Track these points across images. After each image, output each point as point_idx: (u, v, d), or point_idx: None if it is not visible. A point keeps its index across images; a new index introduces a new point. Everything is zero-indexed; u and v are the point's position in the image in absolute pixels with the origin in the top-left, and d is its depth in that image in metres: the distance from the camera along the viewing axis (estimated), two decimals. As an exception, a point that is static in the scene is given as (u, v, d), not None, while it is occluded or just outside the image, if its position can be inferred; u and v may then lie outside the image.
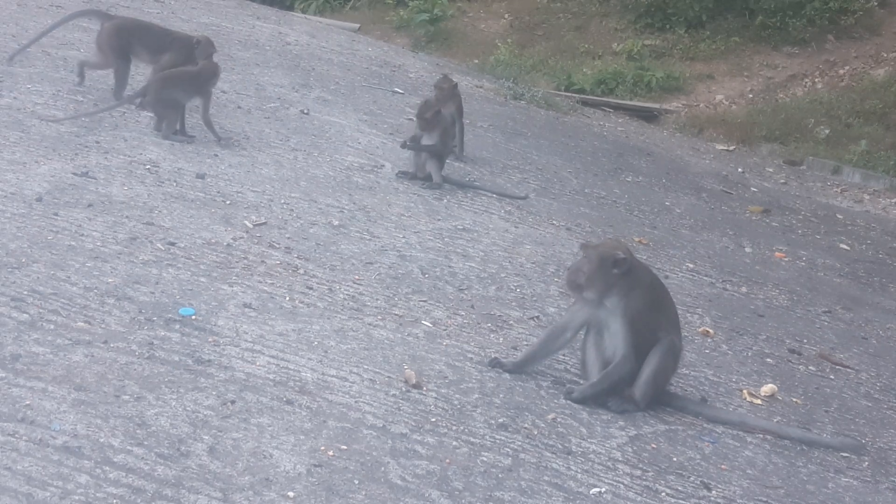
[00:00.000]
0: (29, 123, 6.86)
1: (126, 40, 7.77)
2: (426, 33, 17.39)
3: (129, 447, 3.47)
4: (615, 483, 3.97)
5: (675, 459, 4.29)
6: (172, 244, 5.38)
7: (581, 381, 4.75)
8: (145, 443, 3.51)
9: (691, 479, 4.15)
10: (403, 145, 7.87)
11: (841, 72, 15.66)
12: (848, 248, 9.23)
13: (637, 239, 7.71)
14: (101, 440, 3.47)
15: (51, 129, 6.87)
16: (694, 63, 16.21)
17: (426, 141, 7.70)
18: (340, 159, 7.90)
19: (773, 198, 10.85)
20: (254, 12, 14.75)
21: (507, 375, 4.70)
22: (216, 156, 7.13)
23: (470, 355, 4.84)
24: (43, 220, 5.32)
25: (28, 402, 3.60)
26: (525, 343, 5.13)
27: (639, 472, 4.10)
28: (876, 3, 16.67)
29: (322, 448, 3.72)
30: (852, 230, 10.07)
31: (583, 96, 14.85)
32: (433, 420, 4.13)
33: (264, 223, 6.05)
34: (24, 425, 3.46)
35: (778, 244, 8.72)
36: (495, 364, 4.74)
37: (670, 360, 4.68)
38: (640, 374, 4.60)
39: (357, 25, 17.59)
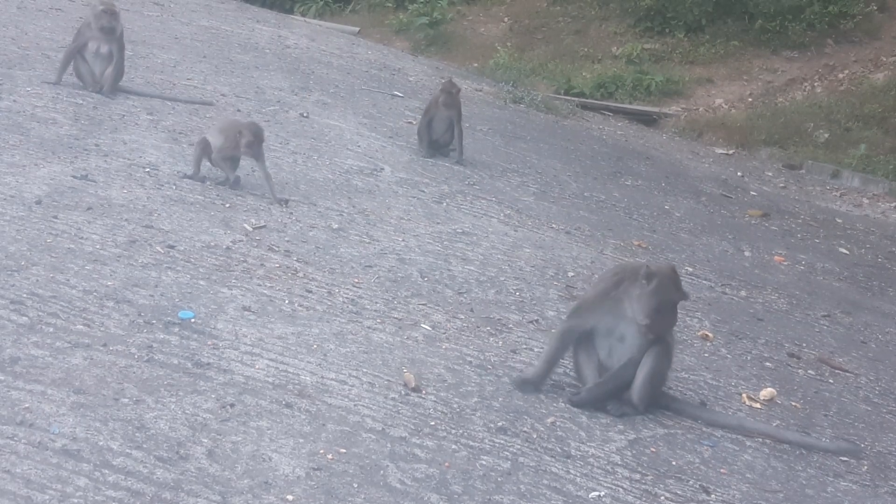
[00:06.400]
0: (28, 126, 6.87)
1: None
2: (426, 37, 17.40)
3: (128, 450, 3.47)
4: (614, 487, 3.97)
5: (674, 463, 4.29)
6: (172, 247, 5.38)
7: (579, 384, 4.74)
8: (144, 446, 3.51)
9: (690, 482, 4.15)
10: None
11: (840, 76, 15.67)
12: (847, 252, 9.23)
13: (636, 242, 7.71)
14: (100, 443, 3.47)
15: (50, 131, 6.87)
16: (693, 67, 16.21)
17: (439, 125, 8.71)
18: (340, 162, 7.90)
19: (772, 202, 10.85)
20: (253, 15, 14.77)
21: (506, 379, 4.70)
22: (216, 159, 7.13)
23: (469, 359, 4.84)
24: (42, 222, 5.32)
25: (27, 405, 3.60)
26: (524, 346, 5.13)
27: (638, 476, 4.10)
28: (875, 8, 16.67)
29: (321, 451, 3.72)
30: (851, 234, 10.07)
31: (582, 100, 14.85)
32: (432, 423, 4.13)
33: (263, 226, 6.05)
34: (24, 428, 3.46)
35: (777, 248, 8.72)
36: (573, 403, 4.59)
37: (666, 362, 4.68)
38: (637, 377, 4.58)
39: (357, 29, 17.60)
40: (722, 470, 4.32)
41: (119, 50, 8.07)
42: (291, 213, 6.40)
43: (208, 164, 6.67)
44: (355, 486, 3.55)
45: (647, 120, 14.90)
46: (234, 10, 14.85)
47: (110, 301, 4.59)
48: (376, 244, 6.22)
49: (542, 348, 5.16)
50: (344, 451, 3.76)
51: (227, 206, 6.27)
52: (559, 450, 4.15)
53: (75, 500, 3.15)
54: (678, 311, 4.64)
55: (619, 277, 4.59)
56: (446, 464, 3.84)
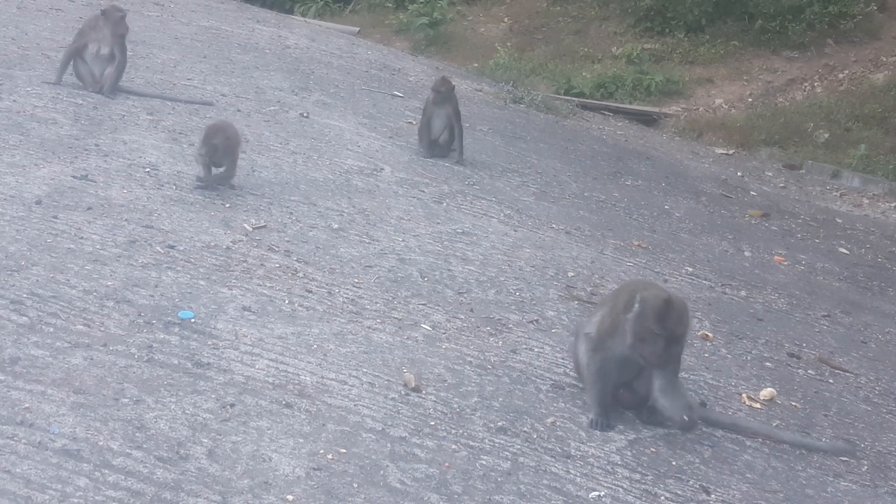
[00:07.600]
0: (28, 126, 6.87)
1: None
2: (426, 37, 17.40)
3: (128, 450, 3.47)
4: (614, 487, 3.97)
5: (674, 463, 4.29)
6: (172, 247, 5.38)
7: (579, 385, 4.73)
8: (144, 446, 3.51)
9: (690, 482, 4.15)
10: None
11: (840, 76, 15.67)
12: (847, 252, 9.23)
13: (636, 243, 7.71)
14: (100, 443, 3.47)
15: (50, 132, 6.87)
16: (693, 67, 16.21)
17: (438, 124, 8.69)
18: (340, 162, 7.91)
19: (772, 202, 10.85)
20: (253, 15, 14.77)
21: (506, 379, 4.70)
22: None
23: (469, 359, 4.84)
24: (42, 222, 5.32)
25: (27, 405, 3.60)
26: (524, 346, 5.13)
27: (638, 476, 4.10)
28: (875, 8, 16.66)
29: (321, 451, 3.72)
30: (851, 234, 10.07)
31: (582, 100, 14.84)
32: (432, 423, 4.13)
33: (263, 226, 6.05)
34: (24, 428, 3.46)
35: (777, 248, 8.72)
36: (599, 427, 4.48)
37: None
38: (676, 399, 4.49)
39: (357, 29, 17.59)
40: (722, 470, 4.32)
41: (121, 51, 8.09)
42: (291, 213, 6.40)
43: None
44: (355, 486, 3.55)
45: (647, 120, 14.89)
46: (234, 10, 14.85)
47: (110, 301, 4.59)
48: (376, 244, 6.23)
49: (542, 348, 5.17)
50: (344, 451, 3.76)
51: (227, 206, 6.27)
52: (559, 450, 4.15)
53: (75, 500, 3.15)
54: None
55: (629, 299, 4.39)
56: (446, 464, 3.84)
